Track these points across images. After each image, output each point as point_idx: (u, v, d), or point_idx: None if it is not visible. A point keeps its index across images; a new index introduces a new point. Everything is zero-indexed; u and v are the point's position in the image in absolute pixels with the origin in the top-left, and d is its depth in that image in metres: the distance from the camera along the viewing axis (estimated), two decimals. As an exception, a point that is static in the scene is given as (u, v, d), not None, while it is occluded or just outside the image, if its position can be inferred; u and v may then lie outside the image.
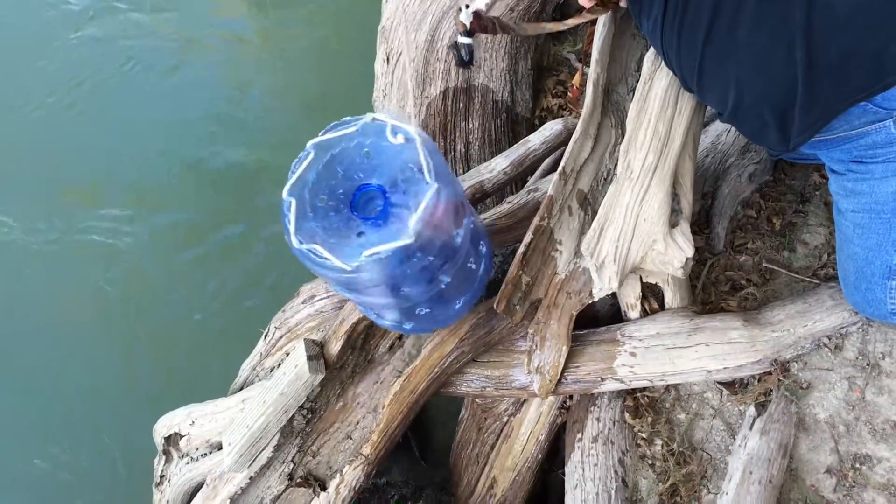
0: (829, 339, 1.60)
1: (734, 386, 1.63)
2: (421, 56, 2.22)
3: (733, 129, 1.82)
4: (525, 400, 1.81)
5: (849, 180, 1.38)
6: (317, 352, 1.68)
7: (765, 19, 1.20)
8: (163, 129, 3.25)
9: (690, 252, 1.53)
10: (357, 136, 1.29)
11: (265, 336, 1.91)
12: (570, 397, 1.79)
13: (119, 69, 3.46)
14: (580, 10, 1.62)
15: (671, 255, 1.54)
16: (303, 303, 1.88)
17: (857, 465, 1.50)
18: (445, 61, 2.23)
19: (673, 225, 1.54)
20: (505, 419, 1.84)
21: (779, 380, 1.58)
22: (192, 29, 3.58)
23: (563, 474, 1.75)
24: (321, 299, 1.86)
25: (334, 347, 1.69)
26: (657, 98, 1.54)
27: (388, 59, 2.28)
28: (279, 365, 1.81)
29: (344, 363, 1.73)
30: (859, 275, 1.45)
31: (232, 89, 3.37)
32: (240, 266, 2.86)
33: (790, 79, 1.21)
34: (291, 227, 1.21)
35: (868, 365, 1.56)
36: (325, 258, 1.18)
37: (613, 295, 1.69)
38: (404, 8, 2.20)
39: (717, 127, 1.90)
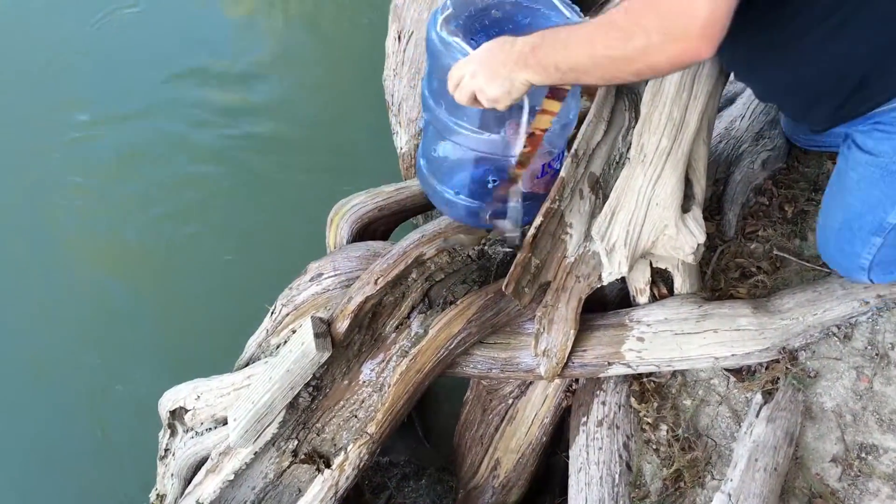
0: (839, 328, 1.60)
1: (741, 373, 1.63)
2: (433, 34, 2.20)
3: (748, 114, 1.80)
4: (531, 383, 1.81)
5: (871, 138, 1.37)
6: (324, 329, 1.68)
7: None
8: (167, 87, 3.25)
9: (702, 238, 1.52)
10: (532, 3, 1.43)
11: (271, 313, 1.91)
12: (576, 381, 1.79)
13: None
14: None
15: (682, 240, 1.53)
16: (310, 280, 1.87)
17: (864, 455, 1.50)
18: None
19: (685, 210, 1.53)
20: (510, 401, 1.84)
21: (787, 368, 1.58)
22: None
23: (567, 457, 1.75)
24: (328, 277, 1.85)
25: (341, 326, 1.68)
26: (673, 82, 1.52)
27: (399, 38, 2.26)
28: (285, 342, 1.81)
29: (351, 342, 1.73)
30: (846, 225, 1.46)
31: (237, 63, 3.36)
32: (245, 241, 2.86)
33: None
34: (441, 17, 1.35)
35: (877, 355, 1.56)
36: (464, 48, 1.30)
37: (622, 279, 1.69)
38: (417, -14, 2.18)
39: (732, 112, 1.88)
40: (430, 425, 2.38)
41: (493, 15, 1.41)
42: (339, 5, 3.48)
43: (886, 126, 1.31)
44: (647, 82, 1.57)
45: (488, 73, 1.23)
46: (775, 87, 1.45)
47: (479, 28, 1.38)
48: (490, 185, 1.63)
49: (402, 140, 2.36)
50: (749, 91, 1.85)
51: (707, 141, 1.57)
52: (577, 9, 1.48)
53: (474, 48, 1.28)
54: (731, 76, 1.60)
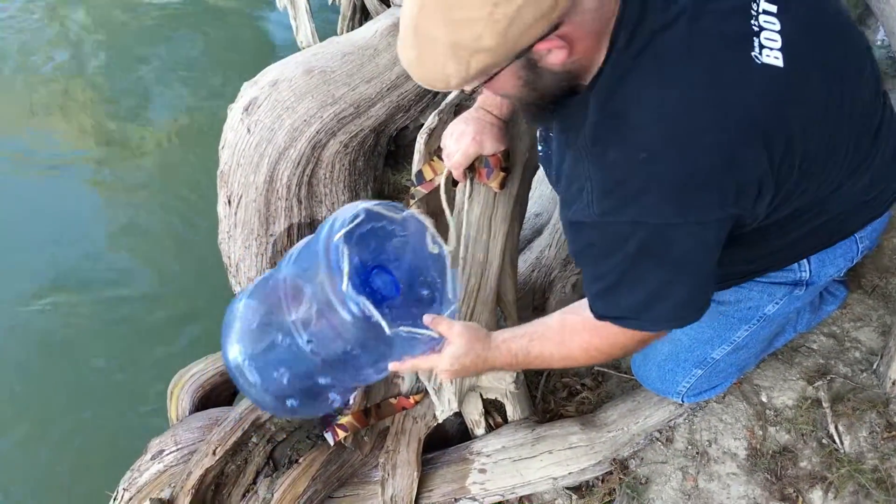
0: (661, 432, 1.70)
1: (581, 490, 1.69)
2: (262, 197, 2.28)
3: (553, 243, 1.95)
4: (387, 531, 1.80)
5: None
6: (164, 511, 1.63)
7: None
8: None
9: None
10: (399, 223, 1.35)
11: (114, 499, 1.83)
12: (430, 522, 1.80)
13: None
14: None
15: (503, 371, 1.61)
16: (151, 458, 1.82)
17: (700, 554, 1.57)
18: (286, 199, 2.29)
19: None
20: (369, 553, 1.81)
21: (620, 478, 1.65)
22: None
23: None
24: (170, 453, 1.81)
25: (182, 503, 1.64)
26: (472, 225, 1.64)
27: (229, 202, 2.32)
28: (128, 529, 1.74)
29: (196, 518, 1.68)
30: (671, 357, 1.57)
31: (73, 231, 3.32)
32: (83, 424, 2.74)
33: None
34: (345, 271, 1.21)
35: (697, 453, 1.66)
36: (371, 314, 1.20)
37: (459, 414, 1.74)
38: (240, 152, 2.27)
39: (540, 242, 2.03)
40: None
41: (369, 241, 1.32)
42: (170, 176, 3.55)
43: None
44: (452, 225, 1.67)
45: (455, 376, 1.36)
46: None
47: (367, 255, 1.31)
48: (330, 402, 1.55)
49: (245, 300, 2.38)
50: (554, 221, 2.01)
51: (513, 275, 1.69)
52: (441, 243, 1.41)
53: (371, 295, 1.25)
54: (528, 214, 1.74)
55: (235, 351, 1.48)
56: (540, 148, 1.50)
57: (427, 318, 1.29)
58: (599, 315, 1.20)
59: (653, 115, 1.02)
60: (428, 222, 1.37)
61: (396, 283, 1.32)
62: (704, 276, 1.14)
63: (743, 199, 1.05)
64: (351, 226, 1.27)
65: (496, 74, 1.00)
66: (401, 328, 1.23)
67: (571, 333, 1.28)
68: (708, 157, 1.01)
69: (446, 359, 1.30)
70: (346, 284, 1.20)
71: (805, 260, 1.38)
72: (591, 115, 1.06)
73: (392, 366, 1.33)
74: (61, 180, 3.56)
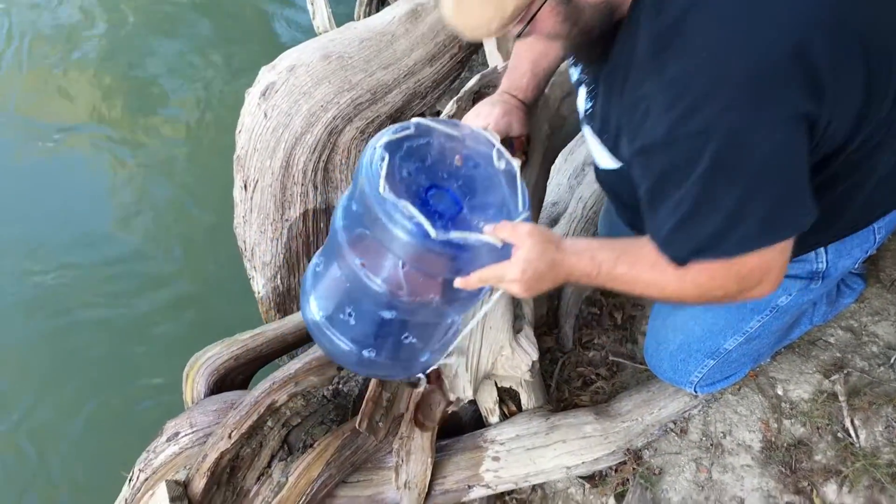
0: (675, 423, 1.70)
1: (594, 479, 1.70)
2: (278, 182, 2.28)
3: (570, 232, 1.95)
4: (400, 516, 1.81)
5: None
6: (180, 492, 1.64)
7: None
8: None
9: (535, 355, 1.60)
10: (459, 139, 1.25)
11: (129, 480, 1.84)
12: (443, 508, 1.80)
13: None
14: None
15: (518, 359, 1.61)
16: (167, 441, 1.84)
17: (712, 544, 1.58)
18: (302, 185, 2.30)
19: (517, 331, 1.62)
20: (382, 538, 1.82)
21: (633, 468, 1.66)
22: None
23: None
24: (186, 435, 1.82)
25: (198, 485, 1.65)
26: (490, 213, 1.63)
27: (245, 187, 2.33)
28: (144, 510, 1.75)
29: (211, 500, 1.69)
30: (683, 347, 1.57)
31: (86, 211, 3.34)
32: (101, 403, 2.76)
33: None
34: (382, 174, 1.11)
35: (711, 445, 1.66)
36: (412, 215, 1.09)
37: (473, 402, 1.75)
38: (257, 137, 2.27)
39: (557, 231, 2.02)
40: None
41: (424, 157, 1.23)
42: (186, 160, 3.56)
43: None
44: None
45: (530, 289, 1.16)
46: None
47: (412, 174, 1.22)
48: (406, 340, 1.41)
49: (259, 284, 2.39)
50: (571, 210, 2.00)
51: (530, 264, 1.68)
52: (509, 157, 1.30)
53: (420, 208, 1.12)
54: (545, 203, 1.73)
55: (311, 309, 1.43)
56: (586, 106, 1.38)
57: (488, 228, 1.13)
58: (678, 259, 1.10)
59: (709, 15, 0.97)
60: (493, 137, 1.27)
61: (458, 201, 1.21)
62: (789, 185, 1.03)
63: (816, 95, 0.98)
64: (397, 136, 1.19)
65: (535, 15, 1.00)
66: (451, 234, 1.10)
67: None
68: (774, 49, 0.95)
69: (517, 264, 1.12)
70: (382, 186, 1.10)
71: (822, 250, 1.37)
72: (643, 34, 1.03)
73: (458, 282, 1.16)
74: (74, 156, 3.61)
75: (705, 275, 1.10)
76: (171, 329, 2.97)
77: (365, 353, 1.38)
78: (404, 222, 1.10)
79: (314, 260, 1.48)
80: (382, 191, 1.10)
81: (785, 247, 1.08)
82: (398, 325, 1.34)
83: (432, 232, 1.08)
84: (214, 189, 3.23)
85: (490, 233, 1.13)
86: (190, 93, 3.82)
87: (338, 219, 1.30)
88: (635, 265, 1.15)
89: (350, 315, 1.35)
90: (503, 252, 1.14)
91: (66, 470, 2.66)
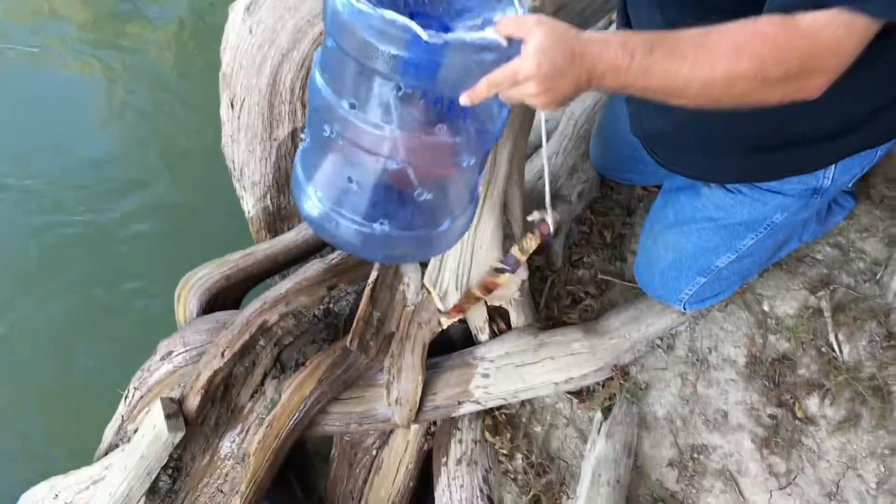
0: (662, 340, 1.72)
1: (582, 394, 1.73)
2: (265, 100, 2.24)
3: (561, 150, 1.92)
4: (391, 431, 1.85)
5: (717, 196, 1.48)
6: (174, 409, 1.67)
7: None
8: None
9: (525, 275, 1.61)
10: None
11: (125, 398, 1.88)
12: (434, 423, 1.84)
13: None
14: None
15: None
16: (161, 359, 1.86)
17: (696, 455, 1.62)
18: (290, 103, 2.26)
19: (507, 250, 1.62)
20: (374, 452, 1.87)
21: (620, 384, 1.69)
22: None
23: (436, 498, 1.80)
24: (179, 354, 1.84)
25: (192, 402, 1.68)
26: (480, 131, 1.61)
27: (232, 105, 2.29)
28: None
29: (206, 417, 1.72)
30: (675, 265, 1.58)
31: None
32: (95, 322, 2.79)
33: None
34: None
35: (697, 360, 1.69)
36: (395, 19, 0.94)
37: (463, 320, 1.76)
38: (242, 54, 2.21)
39: (547, 151, 2.00)
40: (313, 485, 2.37)
41: None
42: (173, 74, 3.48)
43: (759, 191, 1.42)
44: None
45: (550, 90, 0.97)
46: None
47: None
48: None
49: (249, 204, 2.38)
50: (562, 128, 1.97)
51: (519, 183, 1.67)
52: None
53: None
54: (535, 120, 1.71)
55: (308, 194, 1.29)
56: None
57: (489, 29, 0.98)
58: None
59: None
60: None
61: (444, 25, 1.08)
62: None
63: None
64: None
65: None
66: (447, 35, 0.95)
67: (726, 33, 0.95)
68: None
69: (530, 57, 0.94)
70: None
71: (833, 166, 1.35)
72: None
73: (464, 98, 1.00)
74: (58, 70, 3.55)
75: (775, 39, 0.93)
76: (165, 249, 2.96)
77: (377, 226, 1.23)
78: (388, 29, 0.95)
79: (301, 146, 1.34)
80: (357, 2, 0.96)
81: (864, 38, 0.93)
82: (406, 177, 1.19)
83: (423, 34, 0.94)
84: (202, 107, 3.18)
85: (492, 32, 0.97)
86: (176, 5, 3.73)
87: (316, 77, 1.17)
88: (677, 46, 0.96)
89: (351, 181, 1.21)
90: (512, 50, 0.98)
91: (60, 390, 2.71)
